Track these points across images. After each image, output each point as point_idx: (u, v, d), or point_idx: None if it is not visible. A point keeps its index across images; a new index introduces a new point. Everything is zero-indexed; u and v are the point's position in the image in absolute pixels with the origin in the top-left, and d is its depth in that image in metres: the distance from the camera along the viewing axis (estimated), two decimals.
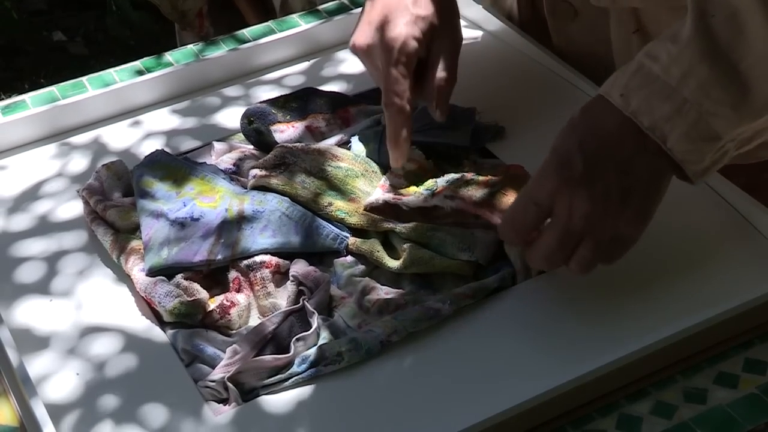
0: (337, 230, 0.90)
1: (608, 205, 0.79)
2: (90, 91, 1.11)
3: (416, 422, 0.77)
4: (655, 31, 0.98)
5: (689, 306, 0.83)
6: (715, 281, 0.85)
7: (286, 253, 0.88)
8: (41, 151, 1.05)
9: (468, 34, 0.99)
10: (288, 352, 0.80)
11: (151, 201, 0.91)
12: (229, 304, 0.85)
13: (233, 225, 0.89)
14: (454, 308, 0.84)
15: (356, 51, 0.96)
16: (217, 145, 1.01)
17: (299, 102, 1.03)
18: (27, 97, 1.12)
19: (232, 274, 0.87)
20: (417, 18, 0.93)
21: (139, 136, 1.06)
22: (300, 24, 1.20)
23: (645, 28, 0.99)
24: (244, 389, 0.79)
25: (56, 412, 0.78)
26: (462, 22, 0.99)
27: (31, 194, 1.00)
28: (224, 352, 0.81)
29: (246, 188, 0.93)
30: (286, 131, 1.00)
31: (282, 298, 0.86)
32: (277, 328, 0.82)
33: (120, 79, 1.13)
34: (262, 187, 0.92)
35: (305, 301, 0.84)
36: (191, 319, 0.84)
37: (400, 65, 0.91)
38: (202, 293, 0.85)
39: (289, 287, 0.86)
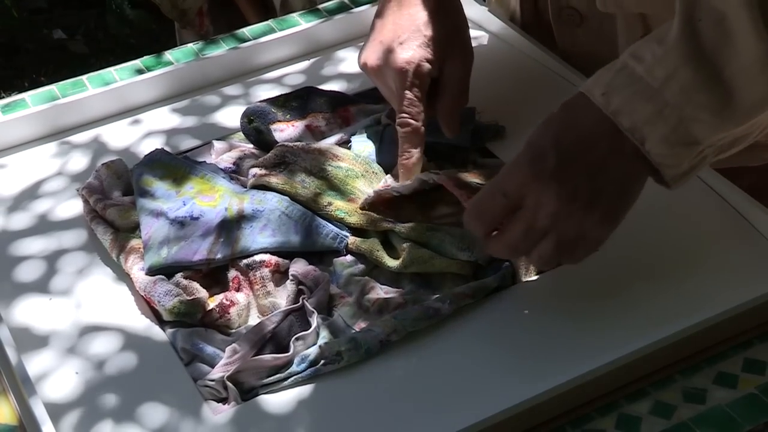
0: (336, 229, 0.89)
1: (576, 205, 0.78)
2: (90, 89, 1.11)
3: (416, 422, 0.77)
4: None
5: (689, 306, 0.83)
6: (715, 281, 0.85)
7: (286, 253, 0.88)
8: (41, 149, 1.05)
9: (470, 34, 0.99)
10: (287, 351, 0.80)
11: (150, 200, 0.91)
12: (228, 303, 0.85)
13: (233, 224, 0.88)
14: (453, 308, 0.83)
15: (367, 70, 0.97)
16: (217, 144, 1.01)
17: (299, 101, 1.03)
18: (27, 95, 1.12)
19: (232, 273, 0.87)
20: (429, 40, 0.94)
21: (138, 135, 1.05)
22: (300, 23, 1.20)
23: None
24: (244, 388, 0.79)
25: (55, 411, 0.78)
26: None
27: (31, 193, 0.99)
28: (224, 351, 0.81)
29: (246, 187, 0.93)
30: (286, 130, 1.00)
31: (281, 297, 0.86)
32: (276, 327, 0.82)
33: (120, 78, 1.13)
34: (262, 186, 0.92)
35: (305, 301, 0.84)
36: (191, 318, 0.84)
37: (414, 88, 0.93)
38: (202, 292, 0.85)
39: (289, 286, 0.86)
